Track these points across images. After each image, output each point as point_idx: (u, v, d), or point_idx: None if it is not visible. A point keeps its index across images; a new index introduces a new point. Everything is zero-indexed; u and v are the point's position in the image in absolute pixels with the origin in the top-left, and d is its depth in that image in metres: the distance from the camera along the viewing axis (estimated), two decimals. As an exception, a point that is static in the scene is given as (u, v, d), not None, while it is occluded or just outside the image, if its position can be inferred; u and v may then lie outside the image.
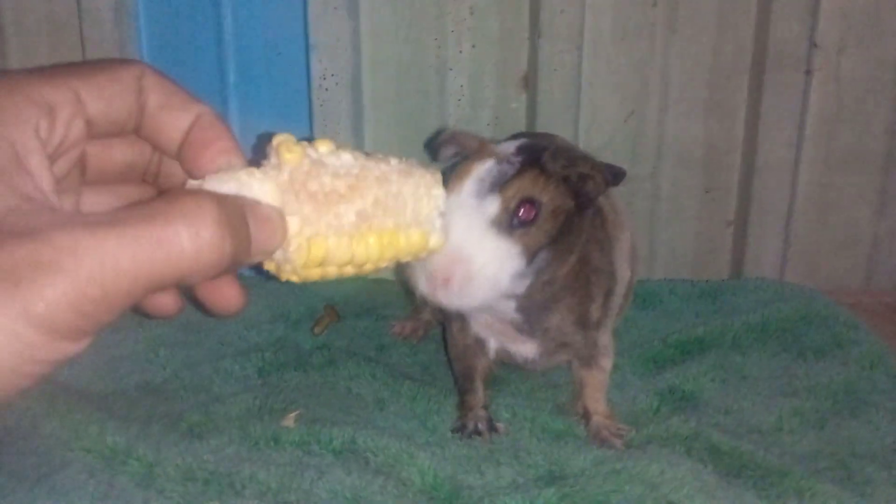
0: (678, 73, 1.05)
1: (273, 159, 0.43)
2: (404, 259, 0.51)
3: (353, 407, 0.74)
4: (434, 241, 0.52)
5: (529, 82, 1.04)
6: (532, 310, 0.68)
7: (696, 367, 0.81)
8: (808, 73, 1.04)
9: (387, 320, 0.95)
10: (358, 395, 0.76)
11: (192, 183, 0.42)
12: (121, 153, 0.44)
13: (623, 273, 0.77)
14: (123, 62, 0.43)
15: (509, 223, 0.61)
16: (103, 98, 0.41)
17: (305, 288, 1.04)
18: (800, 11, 1.03)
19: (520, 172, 0.63)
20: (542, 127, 1.04)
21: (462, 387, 0.76)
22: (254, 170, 0.42)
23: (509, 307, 0.67)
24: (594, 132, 1.06)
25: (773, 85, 1.06)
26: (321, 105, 1.03)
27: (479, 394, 0.75)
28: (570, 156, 0.64)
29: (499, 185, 0.62)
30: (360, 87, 1.02)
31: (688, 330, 0.89)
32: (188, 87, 0.44)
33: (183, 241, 0.34)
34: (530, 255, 0.62)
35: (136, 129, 0.43)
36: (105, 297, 0.33)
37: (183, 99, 0.43)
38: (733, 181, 1.10)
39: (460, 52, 1.02)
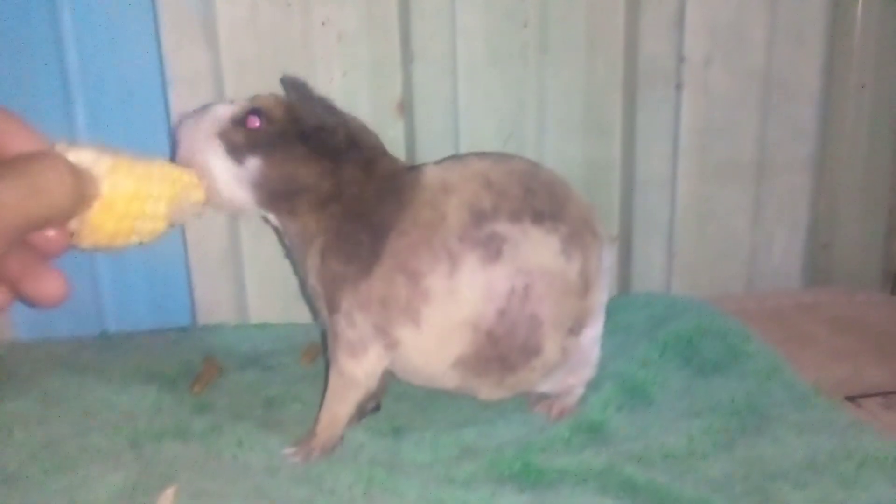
0: (553, 94, 1.04)
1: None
2: (183, 196, 0.64)
3: (240, 477, 0.67)
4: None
5: (406, 109, 1.00)
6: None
7: (599, 392, 0.78)
8: (679, 87, 1.06)
9: (273, 370, 0.89)
10: (245, 464, 0.69)
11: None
12: None
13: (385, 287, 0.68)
14: None
15: (234, 123, 0.69)
16: None
17: (181, 341, 0.96)
18: (666, 27, 1.04)
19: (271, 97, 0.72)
20: (422, 153, 1.01)
21: None
22: (80, 150, 0.51)
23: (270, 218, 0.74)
24: (475, 156, 1.03)
25: (646, 101, 1.06)
26: (184, 143, 0.95)
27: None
28: (300, 93, 0.71)
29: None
30: (225, 122, 0.95)
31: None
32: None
33: (52, 185, 0.45)
34: (238, 152, 0.68)
35: None
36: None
37: None
38: (615, 198, 1.10)
39: (331, 80, 0.97)
